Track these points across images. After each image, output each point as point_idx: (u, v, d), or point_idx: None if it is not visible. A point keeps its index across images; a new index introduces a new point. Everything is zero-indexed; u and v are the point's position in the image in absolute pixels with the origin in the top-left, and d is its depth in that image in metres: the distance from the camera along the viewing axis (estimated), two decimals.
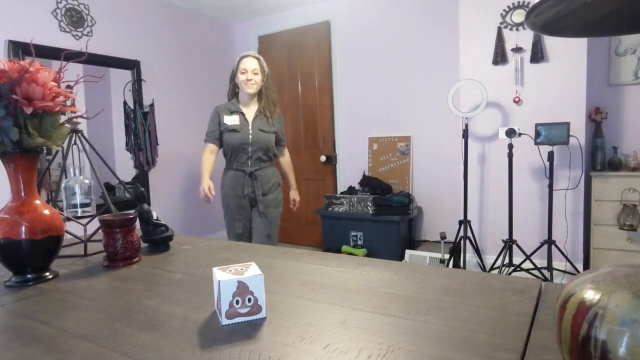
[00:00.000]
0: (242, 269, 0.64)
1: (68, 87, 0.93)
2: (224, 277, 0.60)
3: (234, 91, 2.48)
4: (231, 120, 2.37)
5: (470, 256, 3.26)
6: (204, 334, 0.58)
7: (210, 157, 2.42)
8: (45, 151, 2.72)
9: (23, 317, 0.67)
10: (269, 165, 2.46)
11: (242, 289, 0.61)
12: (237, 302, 0.61)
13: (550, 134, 2.73)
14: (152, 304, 0.70)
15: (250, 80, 2.34)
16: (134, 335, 0.59)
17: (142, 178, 3.67)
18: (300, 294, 0.71)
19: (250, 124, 2.37)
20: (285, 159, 2.66)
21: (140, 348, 0.55)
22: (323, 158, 4.15)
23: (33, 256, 0.83)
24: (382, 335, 0.55)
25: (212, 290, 0.76)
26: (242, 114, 2.39)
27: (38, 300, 0.74)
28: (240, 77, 2.35)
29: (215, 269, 0.65)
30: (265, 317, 0.62)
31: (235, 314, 0.61)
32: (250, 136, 2.36)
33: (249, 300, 0.61)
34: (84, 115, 0.99)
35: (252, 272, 0.63)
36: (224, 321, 0.60)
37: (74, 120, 1.06)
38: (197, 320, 0.63)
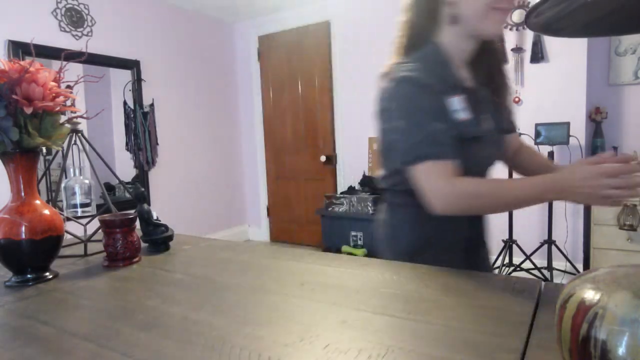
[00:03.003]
0: None
1: (68, 87, 0.93)
2: None
3: (421, 29, 0.96)
4: (463, 108, 0.92)
5: None
6: (202, 334, 0.58)
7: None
8: (45, 151, 2.72)
9: (23, 317, 0.67)
10: None
11: None
12: None
13: (550, 134, 2.73)
14: (152, 304, 0.70)
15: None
16: (134, 335, 0.59)
17: (142, 178, 3.67)
18: (300, 294, 0.71)
19: (489, 114, 0.99)
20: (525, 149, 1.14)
21: (141, 348, 0.55)
22: (323, 158, 4.15)
23: (33, 256, 0.82)
24: (382, 335, 0.55)
25: (212, 289, 0.76)
26: (466, 89, 0.95)
27: (38, 300, 0.74)
28: None
29: None
30: None
31: None
32: (497, 147, 1.04)
33: None
34: (84, 115, 0.99)
35: None
36: None
37: (74, 120, 1.05)
38: (197, 320, 0.63)
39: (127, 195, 3.43)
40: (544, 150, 2.88)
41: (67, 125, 0.92)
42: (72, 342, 0.58)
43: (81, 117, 1.00)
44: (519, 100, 3.06)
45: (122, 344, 0.56)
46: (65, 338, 0.59)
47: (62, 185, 1.13)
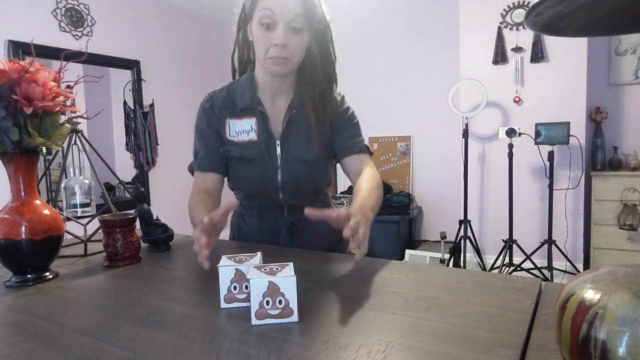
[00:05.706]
0: (277, 269, 0.62)
1: (68, 87, 0.93)
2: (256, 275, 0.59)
3: (243, 61, 1.13)
4: (241, 130, 1.07)
5: (470, 256, 3.26)
6: (202, 329, 0.58)
7: (206, 199, 1.05)
8: (45, 151, 2.72)
9: (23, 313, 0.67)
10: (322, 204, 1.17)
11: (273, 289, 0.59)
12: (268, 302, 0.59)
13: (551, 134, 2.73)
14: (152, 300, 0.70)
15: (282, 48, 0.97)
16: (133, 330, 0.59)
17: (142, 178, 3.68)
18: (299, 292, 0.71)
19: (279, 140, 1.07)
20: (367, 175, 1.06)
21: (140, 343, 0.55)
22: None
23: (33, 256, 0.82)
24: (381, 332, 0.55)
25: (212, 287, 0.76)
26: (262, 113, 1.06)
27: (38, 297, 0.74)
28: (260, 40, 0.98)
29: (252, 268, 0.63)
30: (297, 321, 0.60)
31: (265, 315, 0.59)
32: (280, 171, 1.07)
33: (280, 302, 0.60)
34: (84, 115, 0.99)
35: (285, 273, 0.61)
36: (254, 321, 0.60)
37: (74, 120, 1.06)
38: (197, 316, 0.63)
39: (127, 195, 3.43)
40: (544, 150, 2.88)
41: (67, 125, 0.92)
42: (72, 337, 0.58)
43: (81, 117, 1.00)
44: (519, 100, 3.06)
45: (122, 339, 0.56)
46: (65, 333, 0.59)
47: (62, 185, 1.13)
